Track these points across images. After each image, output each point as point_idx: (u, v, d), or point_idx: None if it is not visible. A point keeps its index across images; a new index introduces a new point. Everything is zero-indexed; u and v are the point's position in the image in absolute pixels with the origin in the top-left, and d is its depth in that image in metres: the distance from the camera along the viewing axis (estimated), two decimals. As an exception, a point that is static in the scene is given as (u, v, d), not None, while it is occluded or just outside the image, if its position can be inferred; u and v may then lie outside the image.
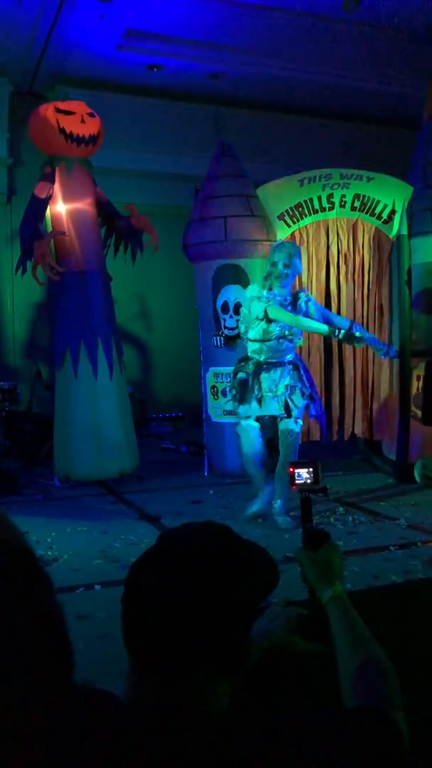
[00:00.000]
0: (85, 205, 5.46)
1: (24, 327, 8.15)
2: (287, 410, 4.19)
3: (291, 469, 1.41)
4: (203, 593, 0.83)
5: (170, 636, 0.81)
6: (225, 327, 5.49)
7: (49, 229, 5.38)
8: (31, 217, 5.25)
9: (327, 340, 5.53)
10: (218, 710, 0.84)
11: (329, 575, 1.18)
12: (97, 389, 5.28)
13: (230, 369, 5.51)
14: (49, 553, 3.76)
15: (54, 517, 4.53)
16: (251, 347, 4.26)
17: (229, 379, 5.52)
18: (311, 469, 1.41)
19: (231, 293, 5.45)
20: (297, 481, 1.40)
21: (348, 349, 5.45)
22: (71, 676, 0.58)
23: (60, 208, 5.42)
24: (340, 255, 5.47)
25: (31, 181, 5.66)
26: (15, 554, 0.53)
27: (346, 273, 5.49)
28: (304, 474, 1.40)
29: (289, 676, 1.28)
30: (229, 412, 5.53)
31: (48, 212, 5.44)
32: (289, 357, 4.25)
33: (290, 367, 4.23)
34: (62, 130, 5.23)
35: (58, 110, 5.30)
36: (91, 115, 5.40)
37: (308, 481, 1.40)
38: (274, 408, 4.21)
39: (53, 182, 5.35)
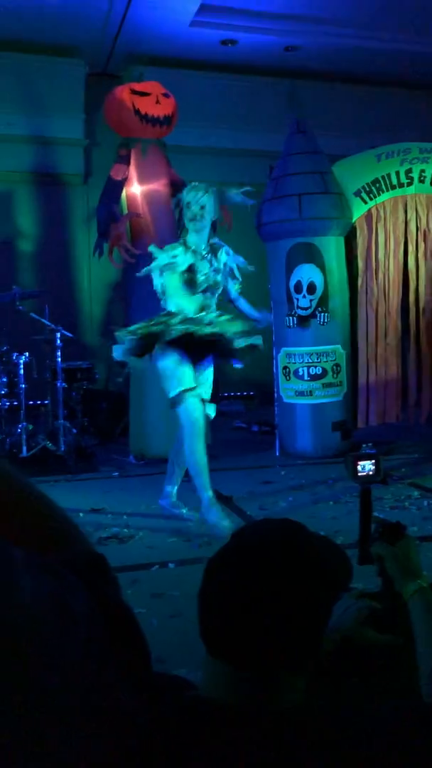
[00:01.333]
0: (159, 186, 5.49)
1: (101, 307, 8.32)
2: None
3: (355, 461, 1.40)
4: (278, 590, 0.85)
5: (246, 632, 0.83)
6: (298, 307, 5.45)
7: (125, 211, 5.46)
8: (107, 200, 5.33)
9: (405, 319, 5.41)
10: (293, 704, 0.85)
11: (411, 568, 1.18)
12: (171, 369, 5.35)
13: (303, 350, 5.49)
14: (125, 530, 3.88)
15: (129, 494, 4.65)
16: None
17: (302, 360, 5.49)
18: (374, 461, 1.40)
19: (304, 272, 5.40)
20: (360, 473, 1.39)
21: (426, 330, 5.31)
22: (148, 666, 0.60)
23: (135, 189, 5.48)
24: (419, 232, 5.31)
25: (107, 162, 5.75)
26: (92, 562, 0.56)
27: (425, 251, 5.33)
28: (367, 466, 1.40)
29: (360, 669, 1.28)
30: (302, 393, 5.52)
31: (124, 194, 5.52)
32: None
33: None
34: (137, 112, 5.27)
35: (134, 92, 5.34)
36: (165, 95, 5.42)
37: (371, 473, 1.40)
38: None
39: (128, 164, 5.41)
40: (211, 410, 3.93)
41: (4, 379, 5.44)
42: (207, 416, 3.87)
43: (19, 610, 0.41)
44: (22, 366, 5.38)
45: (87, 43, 7.40)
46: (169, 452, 3.93)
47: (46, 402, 5.94)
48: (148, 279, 5.40)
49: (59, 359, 5.50)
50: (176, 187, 5.68)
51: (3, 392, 5.43)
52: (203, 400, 3.87)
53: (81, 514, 4.12)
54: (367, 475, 1.41)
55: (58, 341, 5.48)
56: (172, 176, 5.66)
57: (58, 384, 5.48)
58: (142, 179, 5.45)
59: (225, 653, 0.85)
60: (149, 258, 5.39)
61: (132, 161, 5.42)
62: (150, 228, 5.43)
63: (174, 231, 5.67)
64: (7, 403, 5.49)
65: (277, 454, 5.71)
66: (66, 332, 5.54)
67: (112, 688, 0.49)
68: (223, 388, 8.32)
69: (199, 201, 3.63)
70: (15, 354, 5.42)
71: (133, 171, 5.45)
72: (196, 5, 6.75)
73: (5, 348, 5.54)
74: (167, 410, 5.35)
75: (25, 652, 0.40)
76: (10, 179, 7.94)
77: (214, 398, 3.94)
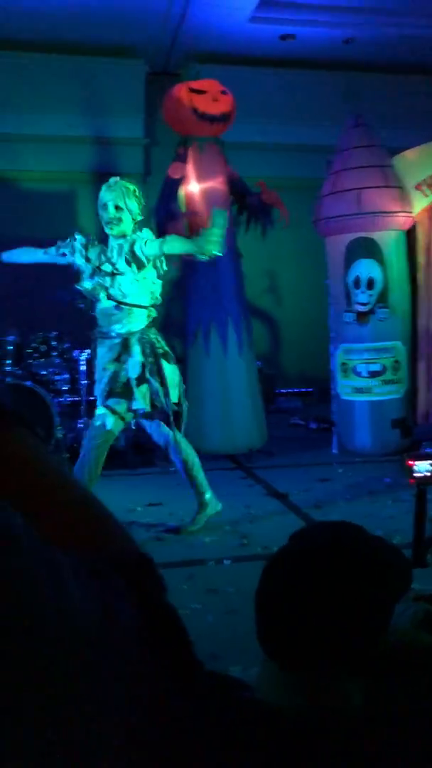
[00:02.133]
0: (217, 183, 5.51)
1: (161, 304, 8.40)
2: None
3: (410, 462, 1.37)
4: (336, 594, 0.84)
5: (303, 636, 0.83)
6: (357, 302, 5.38)
7: (183, 209, 5.50)
8: (165, 198, 5.39)
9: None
10: (351, 708, 0.84)
11: None
12: (227, 366, 5.39)
13: (362, 346, 5.42)
14: (171, 524, 3.93)
15: (186, 490, 4.69)
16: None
17: (361, 357, 5.42)
18: (429, 462, 1.36)
19: (363, 268, 5.32)
20: (416, 474, 1.36)
21: None
22: (194, 671, 0.59)
23: (193, 187, 5.51)
24: None
25: (167, 160, 5.80)
26: (138, 563, 0.55)
27: None
28: (424, 466, 1.36)
29: (416, 672, 1.27)
30: (360, 390, 5.45)
31: (181, 192, 5.56)
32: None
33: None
34: (195, 110, 5.29)
35: (192, 90, 5.36)
36: (223, 92, 5.42)
37: (428, 473, 1.37)
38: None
39: (186, 162, 5.44)
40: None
41: (66, 376, 5.58)
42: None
43: (67, 618, 0.40)
44: (83, 363, 5.50)
45: (147, 42, 7.47)
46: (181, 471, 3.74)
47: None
48: (208, 276, 5.46)
49: (118, 356, 5.59)
50: (234, 184, 5.69)
51: (64, 388, 5.57)
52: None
53: (139, 509, 4.20)
54: (424, 477, 1.39)
55: (118, 338, 5.56)
56: (229, 173, 5.67)
57: (118, 380, 5.57)
58: (200, 177, 5.48)
59: (282, 656, 0.85)
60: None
61: (189, 159, 5.46)
62: (207, 225, 5.45)
63: (232, 228, 5.70)
64: (69, 399, 5.63)
65: (335, 451, 5.66)
66: (125, 329, 5.63)
67: (160, 693, 0.48)
68: (280, 384, 8.29)
69: (116, 201, 3.47)
70: (76, 351, 5.54)
71: (190, 169, 5.48)
72: (256, 1, 6.73)
73: (67, 345, 5.67)
74: (224, 406, 5.40)
75: (74, 662, 0.39)
76: (72, 179, 8.10)
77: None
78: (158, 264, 3.58)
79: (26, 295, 6.59)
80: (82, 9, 6.63)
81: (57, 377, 5.56)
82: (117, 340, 3.50)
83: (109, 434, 3.54)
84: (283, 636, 0.84)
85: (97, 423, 3.54)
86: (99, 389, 3.57)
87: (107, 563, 0.52)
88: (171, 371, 3.57)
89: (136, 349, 3.50)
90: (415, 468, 1.37)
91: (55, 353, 5.59)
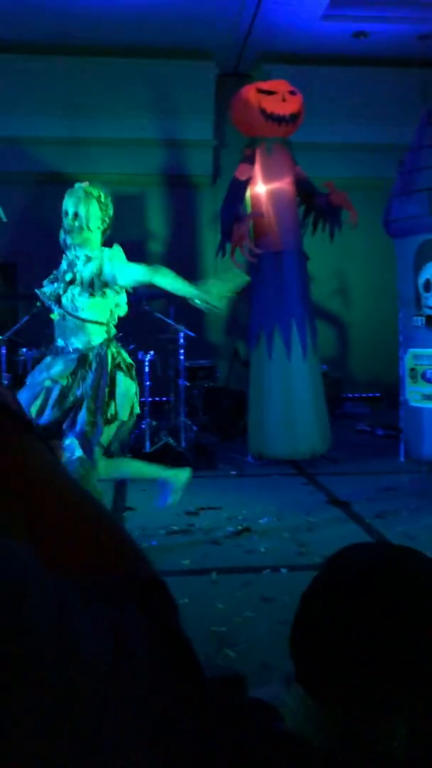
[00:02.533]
0: (284, 184, 5.45)
1: (225, 305, 8.40)
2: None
3: None
4: (384, 631, 0.76)
5: (345, 675, 0.75)
6: (426, 306, 5.20)
7: (249, 210, 5.47)
8: (231, 200, 5.36)
9: None
10: (393, 745, 0.77)
11: None
12: (291, 370, 5.31)
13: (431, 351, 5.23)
14: (239, 528, 3.89)
15: (246, 494, 4.66)
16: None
17: (431, 362, 5.24)
18: None
19: (435, 270, 5.14)
20: None
21: None
22: (205, 700, 0.56)
23: (260, 189, 5.47)
24: None
25: (236, 162, 5.77)
26: (151, 585, 0.52)
27: None
28: None
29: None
30: (429, 397, 5.26)
31: (248, 194, 5.52)
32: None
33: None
34: (263, 111, 5.25)
35: (260, 91, 5.32)
36: (292, 93, 5.35)
37: None
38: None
39: (253, 164, 5.41)
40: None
41: (130, 377, 5.63)
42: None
43: (74, 644, 0.38)
44: (147, 364, 5.55)
45: (218, 44, 7.48)
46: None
47: (169, 399, 6.09)
48: (272, 278, 5.40)
49: (182, 358, 5.61)
50: (301, 185, 5.61)
51: (128, 389, 5.63)
52: None
53: (198, 512, 4.18)
54: None
55: (182, 340, 5.59)
56: (297, 174, 5.59)
57: (180, 382, 5.60)
58: (267, 178, 5.43)
59: (318, 692, 0.78)
60: (272, 257, 5.39)
61: (257, 161, 5.42)
62: (273, 227, 5.41)
63: (298, 230, 5.62)
64: (133, 400, 5.68)
65: (402, 459, 5.49)
66: (189, 332, 5.65)
67: (171, 720, 0.46)
68: (347, 389, 8.14)
69: (74, 208, 3.23)
70: (141, 353, 5.60)
71: (257, 170, 5.44)
72: (328, -1, 6.62)
73: (132, 347, 5.72)
74: (287, 410, 5.33)
75: (81, 690, 0.38)
76: (142, 182, 8.20)
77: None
78: (130, 290, 3.39)
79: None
80: (153, 12, 6.70)
81: (121, 378, 5.62)
82: (74, 355, 3.27)
83: (83, 460, 3.25)
84: (321, 674, 0.77)
85: (67, 454, 3.22)
86: (32, 399, 3.25)
87: (118, 585, 0.49)
88: (126, 385, 3.32)
89: (94, 365, 3.28)
90: None
91: (120, 354, 5.66)
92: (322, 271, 7.30)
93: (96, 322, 3.29)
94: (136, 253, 8.31)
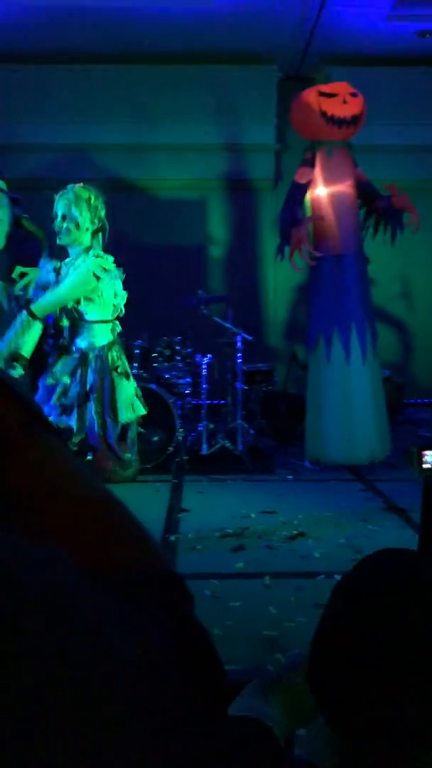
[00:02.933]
0: (344, 187, 5.40)
1: (284, 309, 8.38)
2: None
3: (423, 452, 1.27)
4: (406, 650, 0.67)
5: (371, 707, 0.67)
6: None
7: (309, 213, 5.44)
8: (290, 203, 5.35)
9: None
10: None
11: None
12: (350, 374, 5.25)
13: None
14: (294, 533, 3.87)
15: (302, 499, 4.63)
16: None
17: None
18: None
19: None
20: (424, 466, 1.25)
21: None
22: (224, 700, 0.54)
23: (320, 192, 5.44)
24: None
25: (297, 166, 5.76)
26: (169, 580, 0.51)
27: None
28: (430, 457, 1.26)
29: None
30: None
31: (308, 197, 5.50)
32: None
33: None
34: (324, 114, 5.22)
35: (321, 93, 5.29)
36: (353, 95, 5.30)
37: None
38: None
39: (313, 167, 5.38)
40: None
41: (188, 380, 5.69)
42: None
43: (109, 650, 0.38)
44: (205, 367, 5.59)
45: (280, 48, 7.47)
46: None
47: (226, 402, 6.11)
48: (331, 281, 5.36)
49: (240, 361, 5.63)
50: (362, 187, 5.55)
51: (187, 392, 5.69)
52: None
53: (253, 515, 4.18)
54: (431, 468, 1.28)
55: (239, 344, 5.61)
56: (358, 176, 5.53)
57: (238, 385, 5.61)
58: (327, 181, 5.39)
59: (340, 725, 0.70)
60: (332, 260, 5.35)
61: (317, 164, 5.39)
62: (334, 230, 5.36)
63: (359, 232, 5.56)
64: (191, 403, 5.74)
65: (464, 467, 5.35)
66: (246, 335, 5.66)
67: (188, 728, 0.44)
68: (410, 394, 7.97)
69: (63, 210, 3.25)
70: (198, 356, 5.65)
71: (318, 173, 5.41)
72: (392, -1, 6.53)
73: (189, 350, 5.79)
74: (345, 415, 5.27)
75: (105, 692, 0.37)
76: (204, 186, 8.27)
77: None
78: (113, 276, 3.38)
79: (153, 301, 6.80)
80: (215, 18, 6.75)
81: (180, 380, 5.69)
82: (76, 355, 3.39)
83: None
84: (340, 703, 0.68)
85: None
86: (43, 397, 3.38)
87: (140, 583, 0.49)
88: (125, 388, 3.40)
89: (93, 366, 3.38)
90: (425, 457, 1.25)
91: (178, 357, 5.72)
92: (384, 275, 7.20)
93: (101, 321, 3.27)
94: (197, 258, 8.41)
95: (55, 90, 7.60)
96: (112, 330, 3.40)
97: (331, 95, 5.26)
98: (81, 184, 3.41)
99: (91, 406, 3.34)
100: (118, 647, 0.38)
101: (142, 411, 3.45)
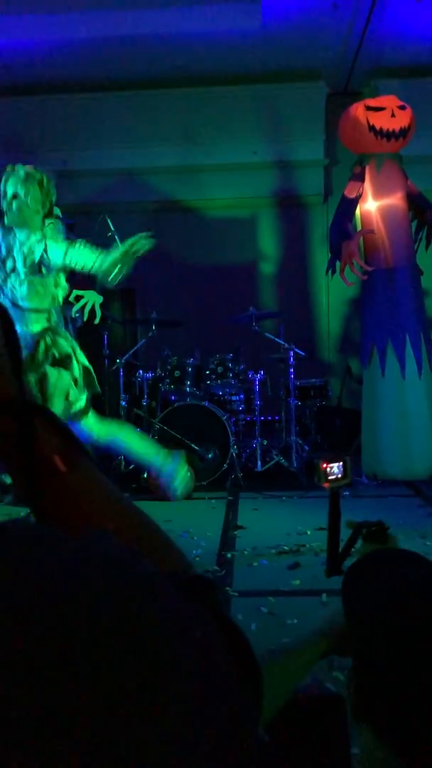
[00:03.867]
0: (395, 200, 5.36)
1: (337, 323, 8.32)
2: None
3: (324, 465, 1.26)
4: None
5: (411, 706, 0.66)
6: None
7: (359, 228, 5.41)
8: (340, 218, 5.34)
9: None
10: None
11: None
12: (405, 388, 5.17)
13: None
14: (351, 550, 3.81)
15: (359, 515, 4.50)
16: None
17: None
18: (341, 464, 1.25)
19: None
20: (330, 477, 1.25)
21: None
22: (260, 709, 0.52)
23: (370, 205, 5.41)
24: None
25: (347, 180, 5.75)
26: (201, 581, 0.51)
27: None
28: (336, 468, 1.26)
29: None
30: None
31: (358, 211, 5.48)
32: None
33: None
34: (372, 128, 5.20)
35: (368, 108, 5.28)
36: (401, 107, 5.27)
37: (339, 476, 1.26)
38: None
39: (363, 181, 5.36)
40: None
41: (242, 396, 5.72)
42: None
43: (158, 642, 0.36)
44: (257, 383, 5.60)
45: (327, 64, 7.50)
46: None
47: (279, 417, 6.10)
48: (384, 293, 5.30)
49: (292, 377, 5.62)
50: (413, 199, 5.49)
51: (240, 408, 5.71)
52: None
53: (309, 532, 4.15)
54: (337, 479, 1.29)
55: (292, 359, 5.60)
56: (409, 188, 5.48)
57: (291, 401, 5.60)
58: (377, 195, 5.36)
59: (384, 731, 0.68)
60: (384, 274, 5.30)
61: (366, 178, 5.37)
62: (385, 243, 5.32)
63: (411, 245, 5.49)
64: (244, 419, 5.75)
65: None
66: (299, 351, 5.65)
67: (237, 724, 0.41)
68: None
69: (13, 188, 3.07)
70: (251, 372, 5.66)
71: (367, 187, 5.38)
72: (439, 9, 6.48)
73: (242, 367, 5.81)
74: (402, 429, 5.18)
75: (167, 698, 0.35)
76: (253, 204, 8.33)
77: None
78: (58, 280, 3.24)
79: (205, 319, 6.87)
80: (262, 38, 6.84)
81: (233, 397, 5.71)
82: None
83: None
84: (384, 711, 0.67)
85: None
86: None
87: (185, 582, 0.49)
88: (56, 378, 3.24)
89: (40, 351, 3.25)
90: (328, 471, 1.26)
91: (231, 374, 5.75)
92: (438, 286, 7.08)
93: (35, 310, 3.20)
94: (248, 275, 8.44)
95: (104, 117, 7.82)
96: (48, 319, 3.26)
97: (379, 109, 5.24)
98: (30, 166, 3.25)
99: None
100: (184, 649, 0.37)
101: (72, 397, 3.29)
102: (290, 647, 0.99)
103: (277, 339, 5.73)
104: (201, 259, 7.94)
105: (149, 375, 5.70)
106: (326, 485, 1.33)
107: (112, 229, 4.11)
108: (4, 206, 3.17)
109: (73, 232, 5.49)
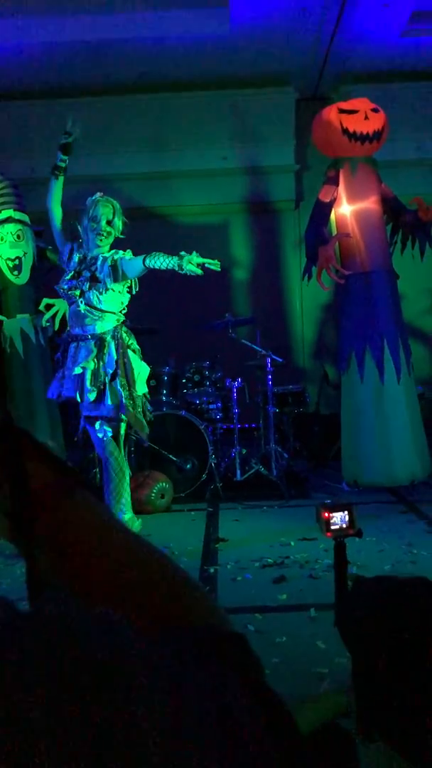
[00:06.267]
0: (370, 203, 5.32)
1: (312, 329, 8.29)
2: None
3: (325, 514, 1.24)
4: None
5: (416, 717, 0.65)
6: None
7: (334, 232, 5.36)
8: (315, 222, 5.28)
9: None
10: None
11: None
12: (384, 394, 5.11)
13: None
14: (327, 561, 3.73)
15: (342, 524, 4.49)
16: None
17: None
18: (346, 513, 1.21)
19: None
20: (332, 527, 1.21)
21: None
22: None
23: (344, 209, 5.36)
24: None
25: (318, 185, 5.71)
26: (236, 643, 0.45)
27: None
28: (339, 518, 1.22)
29: None
30: None
31: (333, 215, 5.43)
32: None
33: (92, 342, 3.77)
34: (345, 130, 5.16)
35: (341, 110, 5.24)
36: (374, 110, 5.24)
37: (344, 525, 1.22)
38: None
39: (337, 185, 5.31)
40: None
41: (219, 405, 5.61)
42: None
43: (183, 724, 0.34)
44: (234, 391, 5.50)
45: (296, 69, 7.48)
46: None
47: (258, 425, 6.01)
48: (361, 298, 5.26)
49: (270, 384, 5.53)
50: (388, 202, 5.46)
51: (218, 417, 5.60)
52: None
53: (292, 543, 4.06)
54: (340, 529, 1.25)
55: (269, 366, 5.52)
56: (383, 192, 5.45)
57: (269, 408, 5.51)
58: (352, 198, 5.31)
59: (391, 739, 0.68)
60: (361, 278, 5.25)
61: (341, 181, 5.32)
62: (360, 247, 5.27)
63: (387, 248, 5.46)
64: (222, 428, 5.64)
65: None
66: (276, 357, 5.57)
67: None
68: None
69: (108, 216, 3.77)
70: (228, 380, 5.57)
71: (342, 191, 5.34)
72: (407, 14, 6.49)
73: (219, 374, 5.71)
74: (382, 435, 5.12)
75: None
76: (225, 211, 8.26)
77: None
78: (133, 283, 3.87)
79: (179, 327, 6.76)
80: (230, 44, 6.78)
81: (210, 406, 5.60)
82: (92, 341, 3.76)
83: (114, 441, 3.81)
84: (391, 719, 0.67)
85: (100, 435, 3.79)
86: (73, 386, 3.76)
87: (203, 641, 0.44)
88: (138, 365, 3.85)
89: (111, 347, 3.76)
90: (331, 520, 1.22)
91: (208, 382, 5.65)
92: (412, 290, 7.08)
93: (112, 312, 3.78)
94: (221, 282, 8.36)
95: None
96: (117, 320, 3.86)
97: (352, 112, 5.20)
98: (103, 195, 4.02)
99: (117, 382, 3.73)
100: (191, 713, 0.35)
101: (144, 389, 3.92)
102: (305, 700, 0.96)
103: (254, 345, 5.65)
104: (173, 266, 7.83)
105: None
106: (329, 535, 1.26)
107: (82, 236, 4.08)
108: (99, 229, 3.83)
109: (42, 239, 5.35)
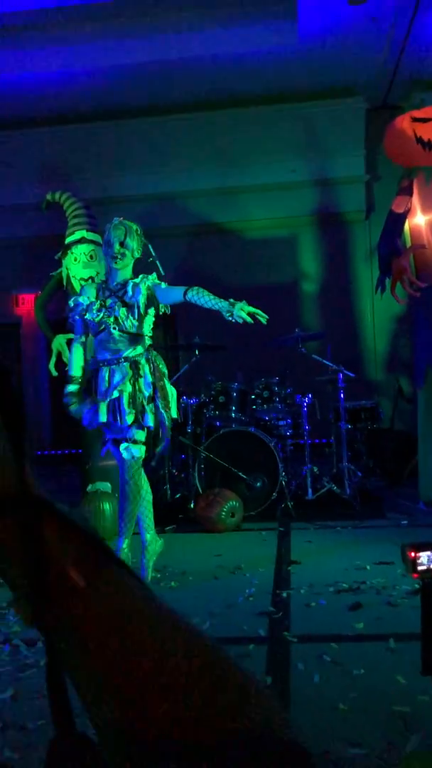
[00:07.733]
0: (446, 213, 5.13)
1: (384, 341, 8.08)
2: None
3: (412, 554, 1.11)
4: None
5: None
6: None
7: (408, 243, 5.20)
8: (388, 234, 5.13)
9: None
10: None
11: None
12: (464, 409, 4.90)
13: None
14: (416, 586, 3.56)
15: (419, 546, 4.30)
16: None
17: None
18: None
19: None
20: (419, 567, 1.08)
21: None
22: None
23: (419, 220, 5.20)
24: None
25: (389, 195, 5.57)
26: (296, 753, 0.40)
27: None
28: (426, 558, 1.10)
29: None
30: None
31: (407, 226, 5.27)
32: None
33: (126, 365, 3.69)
34: (419, 139, 5.00)
35: (414, 119, 5.09)
36: (449, 117, 5.06)
37: None
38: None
39: (411, 195, 5.15)
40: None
41: (289, 421, 5.51)
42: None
43: None
44: (305, 407, 5.40)
45: (365, 79, 7.37)
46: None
47: (330, 441, 5.88)
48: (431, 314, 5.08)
49: (342, 399, 5.40)
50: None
51: (288, 433, 5.50)
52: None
53: (368, 567, 3.91)
54: (428, 569, 1.11)
55: (341, 381, 5.38)
56: (460, 201, 5.24)
57: (342, 425, 5.37)
58: (427, 208, 5.14)
59: None
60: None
61: (415, 191, 5.16)
62: (435, 259, 5.08)
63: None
64: (292, 445, 5.54)
65: None
66: (348, 372, 5.43)
67: None
68: None
69: (119, 238, 3.68)
70: (298, 396, 5.46)
71: (416, 201, 5.17)
72: None
73: (289, 390, 5.62)
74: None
75: None
76: (294, 224, 8.19)
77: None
78: (163, 307, 3.80)
79: (248, 343, 6.72)
80: (296, 56, 6.74)
81: (280, 422, 5.51)
82: (126, 364, 3.74)
83: (139, 461, 3.76)
84: None
85: (127, 456, 3.73)
86: (106, 410, 3.71)
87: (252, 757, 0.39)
88: (170, 388, 3.84)
89: (146, 369, 3.74)
90: (418, 560, 1.09)
91: (277, 398, 5.56)
92: None
93: (143, 335, 3.79)
94: (290, 296, 8.27)
95: (139, 143, 7.81)
96: (144, 342, 3.85)
97: (426, 120, 5.04)
98: (121, 218, 3.86)
99: (159, 403, 3.74)
100: None
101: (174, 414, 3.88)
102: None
103: (324, 360, 5.53)
104: (241, 281, 7.81)
105: (193, 401, 5.54)
106: (415, 576, 1.17)
107: (153, 254, 4.10)
108: (111, 252, 3.76)
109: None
